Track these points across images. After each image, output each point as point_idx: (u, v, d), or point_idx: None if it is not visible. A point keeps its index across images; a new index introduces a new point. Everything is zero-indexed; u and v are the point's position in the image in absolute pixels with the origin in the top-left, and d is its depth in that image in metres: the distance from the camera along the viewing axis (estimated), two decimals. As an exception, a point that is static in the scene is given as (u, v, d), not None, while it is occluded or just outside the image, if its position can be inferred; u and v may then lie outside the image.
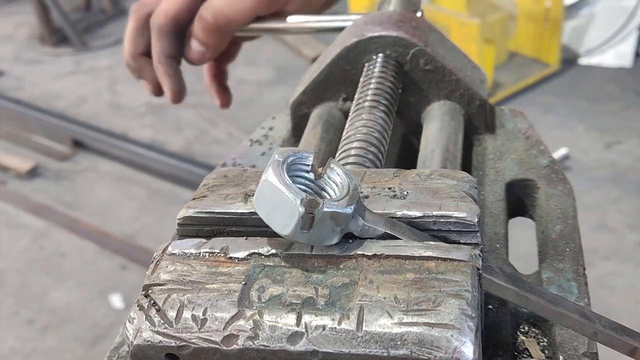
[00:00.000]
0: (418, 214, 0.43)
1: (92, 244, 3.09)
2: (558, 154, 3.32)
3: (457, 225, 0.42)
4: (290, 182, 0.40)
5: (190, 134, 3.85)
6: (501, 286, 0.41)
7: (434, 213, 0.43)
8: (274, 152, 0.42)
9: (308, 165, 0.43)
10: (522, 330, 0.48)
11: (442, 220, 0.43)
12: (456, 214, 0.43)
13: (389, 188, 0.46)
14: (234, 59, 0.90)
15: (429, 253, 0.40)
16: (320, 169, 0.43)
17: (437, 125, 0.63)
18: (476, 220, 0.42)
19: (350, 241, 0.42)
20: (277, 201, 0.39)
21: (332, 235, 0.41)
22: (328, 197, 0.43)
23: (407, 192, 0.45)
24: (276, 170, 0.40)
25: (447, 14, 3.71)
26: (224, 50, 0.81)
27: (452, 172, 0.47)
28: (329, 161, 0.43)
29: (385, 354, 0.36)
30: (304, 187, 0.42)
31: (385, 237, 0.42)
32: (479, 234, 0.42)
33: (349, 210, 0.40)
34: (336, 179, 0.43)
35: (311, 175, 0.43)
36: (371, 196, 0.45)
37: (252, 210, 0.44)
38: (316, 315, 0.37)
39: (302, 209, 0.38)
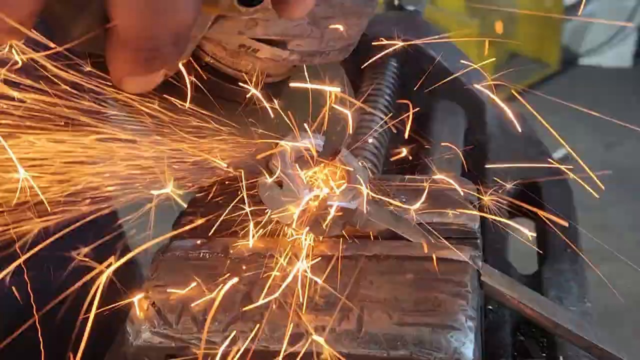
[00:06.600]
0: (417, 220, 0.43)
1: (92, 245, 3.08)
2: (558, 154, 3.31)
3: (457, 232, 0.42)
4: (295, 174, 0.39)
5: (190, 134, 3.84)
6: (500, 292, 0.41)
7: (434, 220, 0.43)
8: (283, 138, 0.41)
9: (317, 152, 0.42)
10: (522, 330, 0.48)
11: (441, 227, 0.43)
12: (456, 221, 0.43)
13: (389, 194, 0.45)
14: None
15: (429, 253, 0.40)
16: (330, 157, 0.43)
17: (438, 126, 0.63)
18: (476, 226, 0.42)
19: (351, 241, 0.42)
20: (282, 191, 0.39)
21: (334, 227, 0.41)
22: (335, 186, 0.42)
23: (406, 199, 0.45)
24: (283, 159, 0.40)
25: (447, 14, 3.70)
26: None
27: (451, 177, 0.47)
28: (340, 150, 0.43)
29: (385, 355, 0.36)
30: (311, 173, 0.42)
31: (387, 235, 0.42)
32: (479, 241, 0.42)
33: (353, 205, 0.40)
34: (344, 169, 0.42)
35: (320, 163, 0.42)
36: None
37: None
38: (316, 316, 0.37)
39: (304, 203, 0.38)
